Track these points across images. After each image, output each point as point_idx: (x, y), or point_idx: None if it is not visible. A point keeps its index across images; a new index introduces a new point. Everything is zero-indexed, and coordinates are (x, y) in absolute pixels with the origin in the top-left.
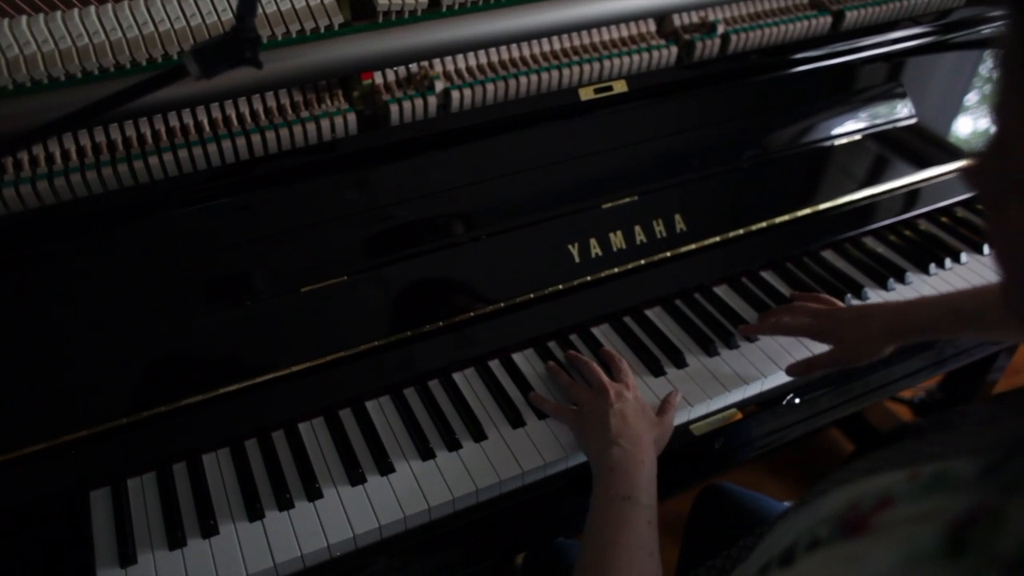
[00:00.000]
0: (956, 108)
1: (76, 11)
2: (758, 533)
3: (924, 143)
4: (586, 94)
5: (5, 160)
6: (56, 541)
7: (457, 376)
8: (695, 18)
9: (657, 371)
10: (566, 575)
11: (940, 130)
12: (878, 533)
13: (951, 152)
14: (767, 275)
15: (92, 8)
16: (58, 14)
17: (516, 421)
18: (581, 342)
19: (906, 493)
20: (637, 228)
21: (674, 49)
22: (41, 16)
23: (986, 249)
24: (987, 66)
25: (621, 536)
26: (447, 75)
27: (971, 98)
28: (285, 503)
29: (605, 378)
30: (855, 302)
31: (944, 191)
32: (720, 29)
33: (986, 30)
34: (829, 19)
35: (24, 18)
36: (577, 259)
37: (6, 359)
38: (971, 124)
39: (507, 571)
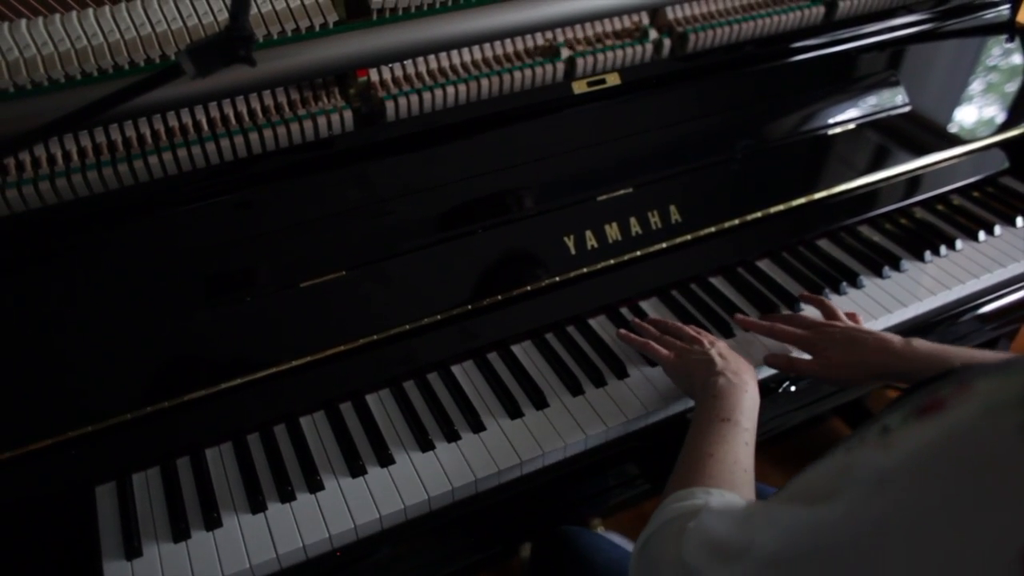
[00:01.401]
0: (956, 95)
1: (75, 14)
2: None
3: (920, 131)
4: (580, 87)
5: (7, 161)
6: (63, 535)
7: (456, 369)
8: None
9: (655, 361)
10: (575, 562)
11: (938, 118)
12: (956, 407)
13: (947, 139)
14: (763, 265)
15: (90, 11)
16: (57, 17)
17: (514, 412)
18: (579, 333)
19: (984, 379)
20: (632, 220)
21: (667, 41)
22: (41, 20)
23: (981, 235)
24: (991, 54)
25: (719, 450)
26: (442, 71)
27: (972, 83)
28: (287, 495)
29: (695, 331)
30: (850, 290)
31: (939, 179)
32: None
33: (986, 15)
34: (822, 9)
35: (24, 21)
36: (573, 251)
37: (11, 357)
38: (976, 112)
39: (514, 561)
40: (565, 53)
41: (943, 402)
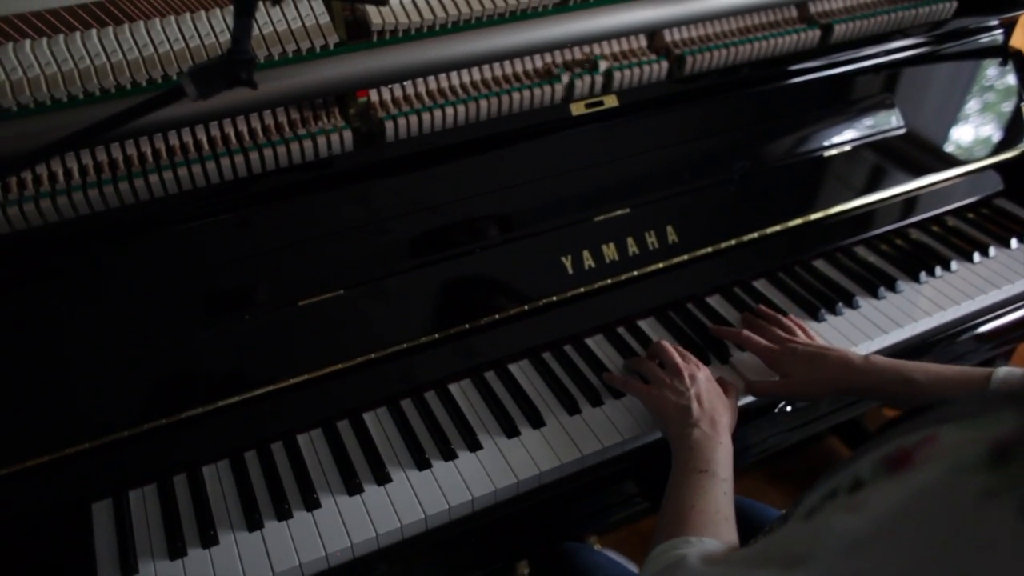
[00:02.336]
0: (950, 118)
1: (78, 34)
2: (784, 515)
3: (915, 153)
4: (577, 109)
5: (9, 180)
6: (59, 552)
7: (453, 387)
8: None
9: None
10: None
11: (932, 139)
12: (923, 464)
13: (943, 161)
14: (759, 285)
15: (94, 31)
16: (61, 37)
17: (511, 431)
18: (576, 352)
19: (949, 430)
20: (630, 240)
21: (664, 64)
22: (44, 40)
23: (976, 257)
24: (986, 75)
25: (699, 500)
26: (441, 92)
27: (966, 105)
28: (284, 513)
29: (679, 359)
30: (846, 311)
31: (935, 200)
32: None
33: (982, 40)
34: (818, 32)
35: (28, 42)
36: (570, 271)
37: (10, 374)
38: (970, 133)
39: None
40: (564, 75)
41: (910, 456)
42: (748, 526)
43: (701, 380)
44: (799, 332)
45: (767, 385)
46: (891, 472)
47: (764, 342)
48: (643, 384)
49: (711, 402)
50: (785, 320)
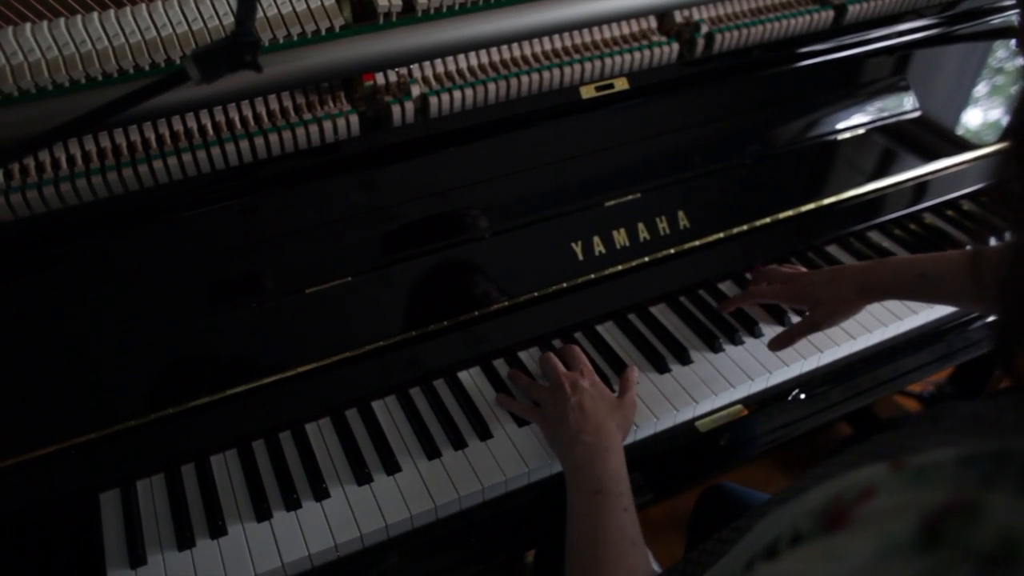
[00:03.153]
0: (964, 100)
1: (79, 17)
2: (733, 527)
3: (929, 136)
4: (587, 92)
5: (12, 166)
6: (67, 542)
7: (463, 375)
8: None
9: (662, 368)
10: None
11: (947, 122)
12: (857, 526)
13: (957, 144)
14: None
15: (95, 15)
16: (62, 20)
17: (521, 420)
18: (586, 339)
19: (887, 484)
20: (640, 225)
21: (675, 46)
22: (45, 24)
23: (992, 241)
24: (997, 57)
25: (600, 530)
26: (448, 75)
27: (980, 89)
28: (292, 503)
29: (560, 369)
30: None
31: (949, 184)
32: (704, 28)
33: (995, 20)
34: (831, 13)
35: (28, 26)
36: (581, 257)
37: (16, 363)
38: (981, 115)
39: (518, 565)
40: (574, 57)
41: (846, 514)
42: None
43: (583, 386)
44: (799, 267)
45: (797, 327)
46: (828, 530)
47: (776, 287)
48: (531, 407)
49: (594, 407)
50: (785, 265)
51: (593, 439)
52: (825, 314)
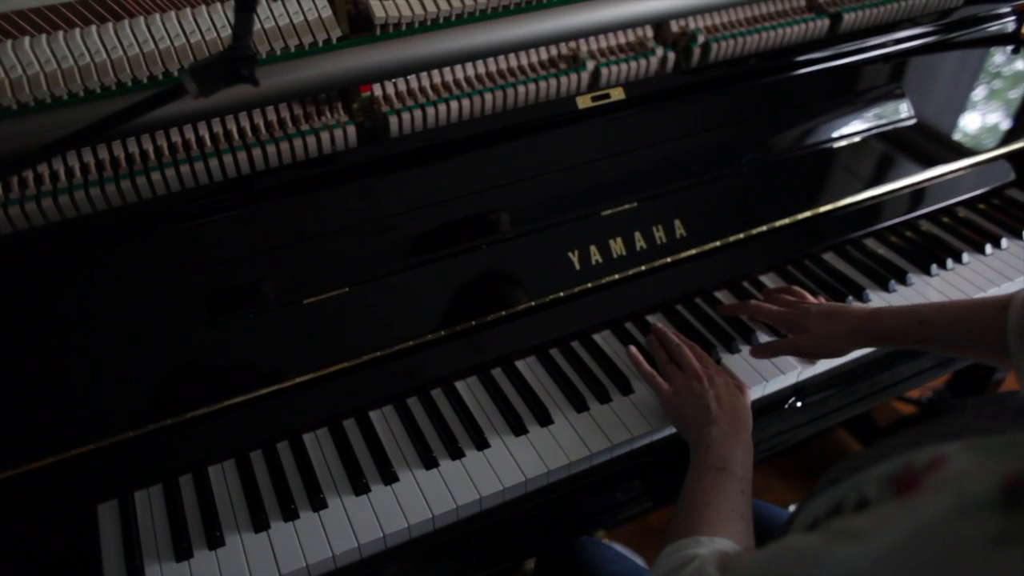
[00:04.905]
0: (960, 106)
1: (78, 31)
2: (786, 522)
3: (925, 143)
4: (584, 102)
5: (11, 179)
6: (65, 554)
7: (460, 385)
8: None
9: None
10: (582, 573)
11: (943, 129)
12: (930, 490)
13: (953, 151)
14: (768, 279)
15: (93, 28)
16: (60, 34)
17: (518, 429)
18: (583, 349)
19: (961, 454)
20: (637, 234)
21: (671, 55)
22: (44, 37)
23: (988, 248)
24: (994, 62)
25: (715, 498)
26: (445, 86)
27: (978, 94)
28: (290, 514)
29: (697, 364)
30: (856, 304)
31: (945, 191)
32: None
33: (991, 28)
34: (827, 22)
35: (27, 39)
36: (578, 266)
37: (14, 375)
38: (979, 120)
39: (517, 574)
40: (569, 65)
41: (917, 480)
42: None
43: (720, 383)
44: (808, 296)
45: (785, 343)
46: (897, 494)
47: (776, 307)
48: (665, 385)
49: (731, 402)
50: (795, 288)
51: (730, 428)
52: (810, 345)
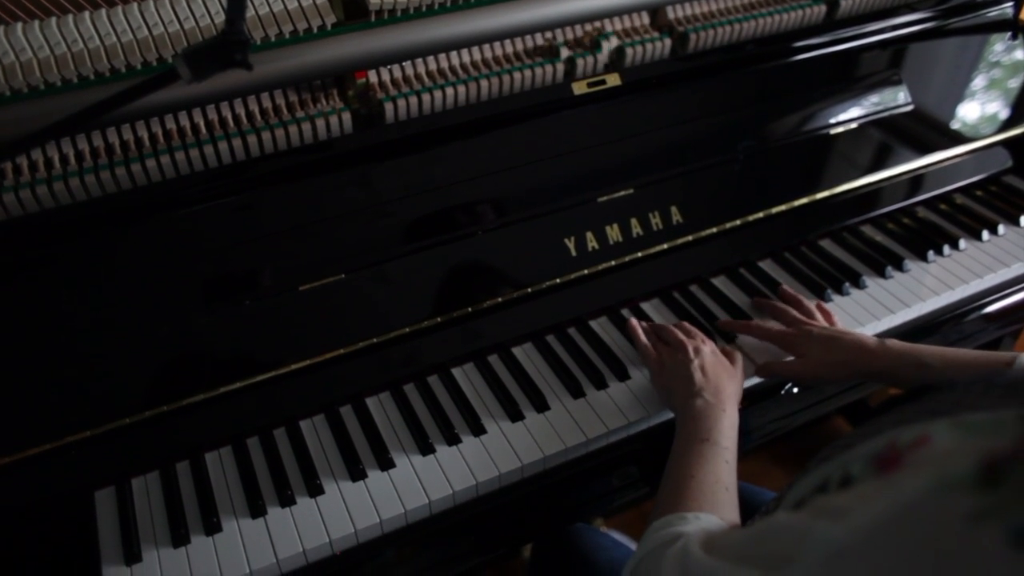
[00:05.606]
0: (957, 93)
1: (71, 17)
2: (777, 497)
3: (922, 130)
4: (580, 88)
5: (5, 165)
6: (62, 540)
7: (456, 371)
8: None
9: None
10: (578, 561)
11: (941, 116)
12: (912, 467)
13: (950, 138)
14: (765, 265)
15: (87, 14)
16: (53, 20)
17: (515, 415)
18: (579, 335)
19: (944, 432)
20: (633, 221)
21: (668, 41)
22: (37, 23)
23: (985, 235)
24: (994, 50)
25: (699, 470)
26: (441, 72)
27: (976, 80)
28: (287, 499)
29: (679, 335)
30: (853, 290)
31: (942, 178)
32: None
33: (990, 13)
34: (824, 8)
35: (20, 25)
36: (574, 253)
37: (10, 362)
38: (979, 109)
39: (516, 561)
40: (565, 53)
41: (900, 457)
42: (748, 511)
43: (706, 352)
44: (818, 315)
45: (780, 366)
46: (880, 472)
47: (777, 327)
48: (654, 354)
49: (715, 373)
50: (806, 302)
51: (713, 398)
52: (809, 372)
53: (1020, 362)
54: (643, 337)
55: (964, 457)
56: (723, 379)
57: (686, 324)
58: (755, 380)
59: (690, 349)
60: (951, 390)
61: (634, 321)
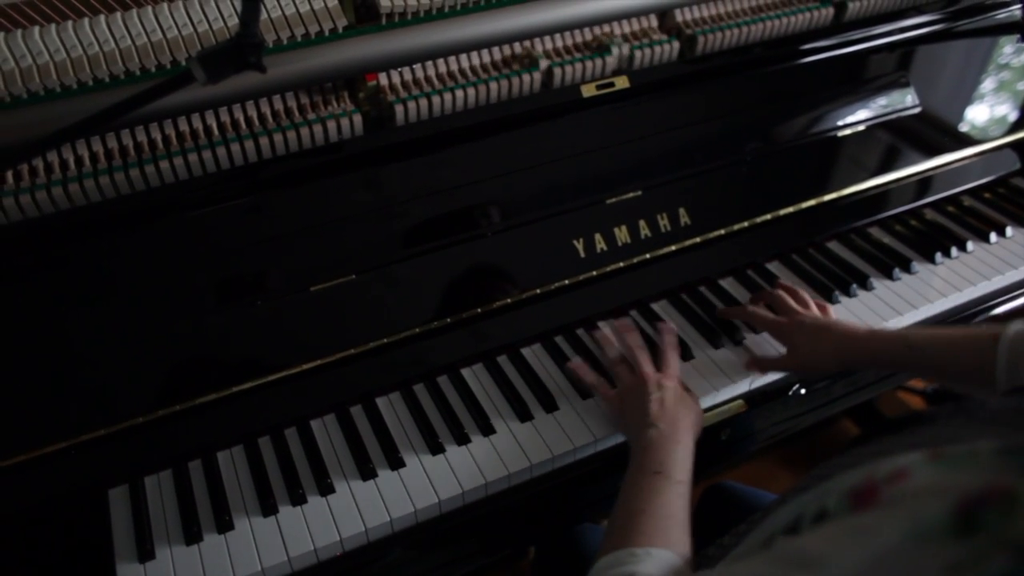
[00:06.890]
0: (967, 96)
1: (87, 20)
2: (751, 520)
3: (930, 132)
4: (588, 91)
5: (20, 168)
6: (76, 538)
7: (466, 371)
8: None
9: (662, 364)
10: (582, 561)
11: (949, 118)
12: (887, 507)
13: (958, 140)
14: (773, 267)
15: (102, 17)
16: (70, 24)
17: (524, 415)
18: (588, 337)
19: (921, 468)
20: (642, 223)
21: (676, 44)
22: (53, 26)
23: (992, 237)
24: (1003, 52)
25: (650, 504)
26: (451, 75)
27: (984, 82)
28: (298, 498)
29: (648, 368)
30: (860, 292)
31: (950, 180)
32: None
33: (999, 15)
34: (832, 10)
35: (36, 29)
36: (582, 254)
37: (25, 361)
38: (987, 111)
39: (523, 562)
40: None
41: (877, 492)
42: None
43: (668, 386)
44: (812, 306)
45: (769, 360)
46: (856, 508)
47: (771, 316)
48: (608, 388)
49: (674, 406)
50: (801, 292)
51: (667, 429)
52: (798, 362)
53: (1004, 339)
54: (592, 375)
55: (938, 501)
56: (681, 413)
57: (666, 338)
58: (763, 381)
59: (652, 383)
60: (931, 422)
61: (577, 361)
